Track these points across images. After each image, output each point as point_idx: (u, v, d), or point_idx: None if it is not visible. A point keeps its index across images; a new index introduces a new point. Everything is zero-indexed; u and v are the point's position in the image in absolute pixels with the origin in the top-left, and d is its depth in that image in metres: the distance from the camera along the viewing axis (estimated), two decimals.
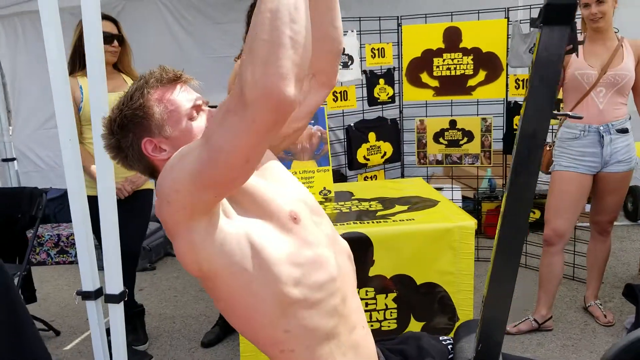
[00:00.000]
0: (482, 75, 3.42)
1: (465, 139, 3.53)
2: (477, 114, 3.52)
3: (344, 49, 3.31)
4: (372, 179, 3.63)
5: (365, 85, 3.48)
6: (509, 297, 1.17)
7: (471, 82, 3.44)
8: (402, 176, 3.73)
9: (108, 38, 2.54)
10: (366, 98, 3.50)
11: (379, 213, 2.27)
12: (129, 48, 2.73)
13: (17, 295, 2.10)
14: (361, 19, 3.39)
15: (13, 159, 5.42)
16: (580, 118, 1.16)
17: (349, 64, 3.34)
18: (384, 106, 3.57)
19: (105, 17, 2.59)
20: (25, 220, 3.10)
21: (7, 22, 5.07)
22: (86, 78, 2.62)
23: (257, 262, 1.08)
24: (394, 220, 2.16)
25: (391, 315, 2.14)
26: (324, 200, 2.54)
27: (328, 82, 1.36)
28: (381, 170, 3.68)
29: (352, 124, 3.51)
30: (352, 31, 3.35)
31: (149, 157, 1.17)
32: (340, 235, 1.99)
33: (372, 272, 2.09)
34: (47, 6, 1.76)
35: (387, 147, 3.61)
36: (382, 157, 3.60)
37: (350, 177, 3.68)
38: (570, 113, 1.04)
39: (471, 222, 2.08)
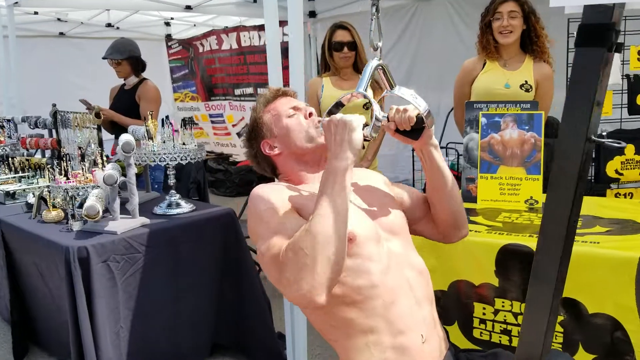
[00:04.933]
0: None
1: None
2: None
3: None
4: (626, 197, 3.22)
5: (625, 91, 3.10)
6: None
7: None
8: None
9: (338, 46, 2.92)
10: (626, 106, 3.11)
11: None
12: (363, 51, 3.04)
13: (244, 244, 2.65)
14: (627, 17, 3.02)
15: None
16: (621, 145, 1.02)
17: None
18: None
19: (339, 27, 2.98)
20: None
21: None
22: (329, 78, 3.07)
23: None
24: (575, 241, 2.00)
25: (556, 339, 2.01)
26: (528, 209, 2.45)
27: (442, 236, 1.61)
28: (639, 188, 3.24)
29: (604, 133, 3.18)
30: None
31: (268, 155, 1.51)
32: (505, 244, 2.00)
33: None
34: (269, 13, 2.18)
35: None
36: None
37: (597, 190, 3.33)
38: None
39: None
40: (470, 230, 2.16)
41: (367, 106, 3.09)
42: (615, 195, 3.25)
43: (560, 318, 1.98)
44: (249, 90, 7.53)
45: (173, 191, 2.62)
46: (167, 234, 2.40)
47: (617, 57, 3.05)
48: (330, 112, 1.42)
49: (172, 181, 2.61)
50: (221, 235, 2.56)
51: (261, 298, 2.68)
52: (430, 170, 1.47)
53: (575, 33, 3.04)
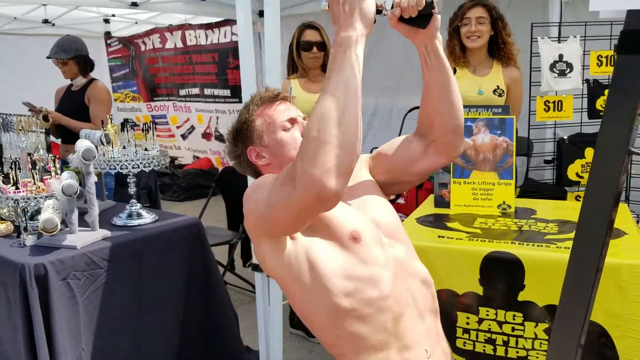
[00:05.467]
0: None
1: None
2: None
3: (562, 55, 3.09)
4: None
5: (586, 96, 3.16)
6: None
7: None
8: (627, 200, 3.30)
9: (307, 46, 2.83)
10: (586, 110, 3.18)
11: (548, 236, 2.11)
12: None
13: (211, 256, 2.51)
14: (587, 23, 3.08)
15: None
16: None
17: (566, 72, 3.07)
18: None
19: (308, 26, 2.89)
20: None
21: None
22: (297, 81, 2.97)
23: (312, 275, 1.23)
24: (557, 247, 2.00)
25: (540, 347, 1.99)
26: (501, 214, 2.44)
27: (445, 152, 1.44)
28: None
29: (565, 137, 3.23)
30: (575, 36, 3.08)
31: (254, 163, 1.38)
32: (490, 252, 1.96)
33: (522, 297, 1.97)
34: (242, 11, 2.05)
35: None
36: None
37: (557, 193, 3.39)
38: None
39: None
40: (450, 238, 2.13)
41: None
42: (576, 198, 3.31)
43: (544, 326, 1.97)
44: (195, 90, 7.31)
45: (134, 200, 2.45)
46: (131, 247, 2.23)
47: (578, 63, 3.11)
48: None
49: (132, 189, 2.44)
50: (187, 247, 2.42)
51: (229, 310, 2.56)
52: (436, 69, 1.34)
53: (538, 38, 3.05)
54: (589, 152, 3.22)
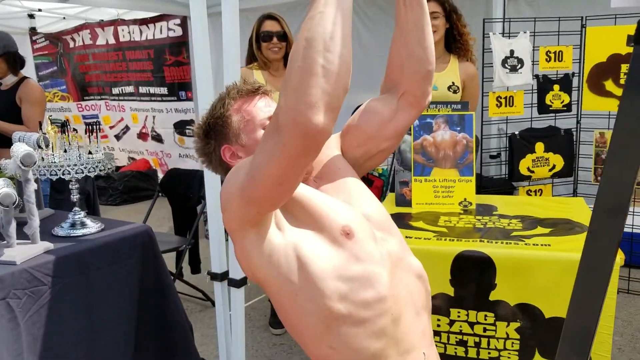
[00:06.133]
0: None
1: None
2: None
3: (512, 51, 3.10)
4: (536, 194, 3.34)
5: (536, 91, 3.21)
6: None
7: None
8: (574, 193, 3.37)
9: (267, 36, 2.71)
10: (536, 105, 3.22)
11: (514, 233, 2.09)
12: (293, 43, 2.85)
13: (163, 265, 2.35)
14: (536, 19, 3.12)
15: None
16: None
17: (517, 67, 3.10)
18: (557, 115, 3.26)
19: (268, 17, 2.78)
20: (195, 199, 3.46)
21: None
22: (260, 72, 2.85)
23: (302, 275, 1.09)
24: (526, 244, 1.98)
25: (512, 346, 1.97)
26: (462, 212, 2.41)
27: (416, 103, 1.32)
28: (549, 184, 3.37)
29: (516, 132, 3.26)
30: (525, 32, 3.10)
31: (228, 163, 1.25)
32: (461, 252, 1.91)
33: (493, 296, 1.94)
34: (196, 7, 1.92)
35: (556, 160, 3.29)
36: (550, 170, 3.29)
37: (506, 188, 3.43)
38: None
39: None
40: (418, 238, 2.08)
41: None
42: (527, 193, 3.35)
43: (516, 325, 1.95)
44: (129, 89, 6.99)
45: (77, 208, 2.26)
46: (76, 260, 2.04)
47: (528, 58, 3.13)
48: None
49: (75, 196, 2.25)
50: (138, 257, 2.24)
51: (184, 322, 2.40)
52: (414, 6, 1.24)
53: (490, 34, 3.04)
54: (540, 147, 3.26)
